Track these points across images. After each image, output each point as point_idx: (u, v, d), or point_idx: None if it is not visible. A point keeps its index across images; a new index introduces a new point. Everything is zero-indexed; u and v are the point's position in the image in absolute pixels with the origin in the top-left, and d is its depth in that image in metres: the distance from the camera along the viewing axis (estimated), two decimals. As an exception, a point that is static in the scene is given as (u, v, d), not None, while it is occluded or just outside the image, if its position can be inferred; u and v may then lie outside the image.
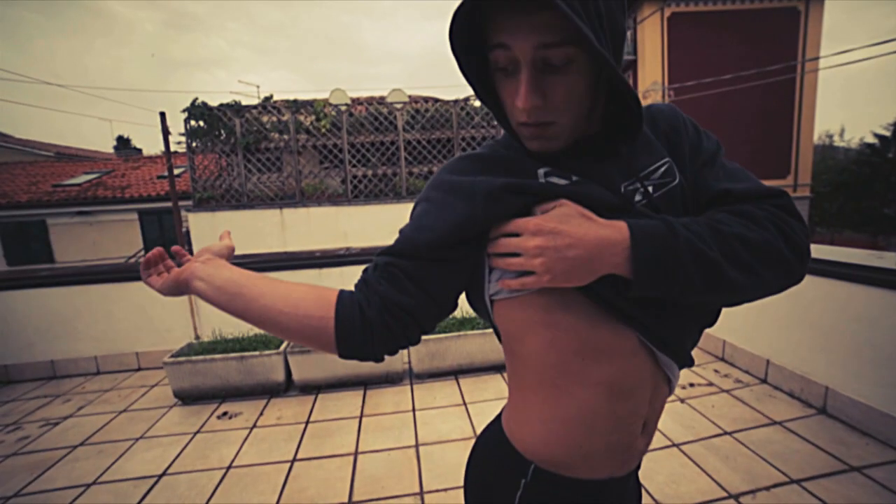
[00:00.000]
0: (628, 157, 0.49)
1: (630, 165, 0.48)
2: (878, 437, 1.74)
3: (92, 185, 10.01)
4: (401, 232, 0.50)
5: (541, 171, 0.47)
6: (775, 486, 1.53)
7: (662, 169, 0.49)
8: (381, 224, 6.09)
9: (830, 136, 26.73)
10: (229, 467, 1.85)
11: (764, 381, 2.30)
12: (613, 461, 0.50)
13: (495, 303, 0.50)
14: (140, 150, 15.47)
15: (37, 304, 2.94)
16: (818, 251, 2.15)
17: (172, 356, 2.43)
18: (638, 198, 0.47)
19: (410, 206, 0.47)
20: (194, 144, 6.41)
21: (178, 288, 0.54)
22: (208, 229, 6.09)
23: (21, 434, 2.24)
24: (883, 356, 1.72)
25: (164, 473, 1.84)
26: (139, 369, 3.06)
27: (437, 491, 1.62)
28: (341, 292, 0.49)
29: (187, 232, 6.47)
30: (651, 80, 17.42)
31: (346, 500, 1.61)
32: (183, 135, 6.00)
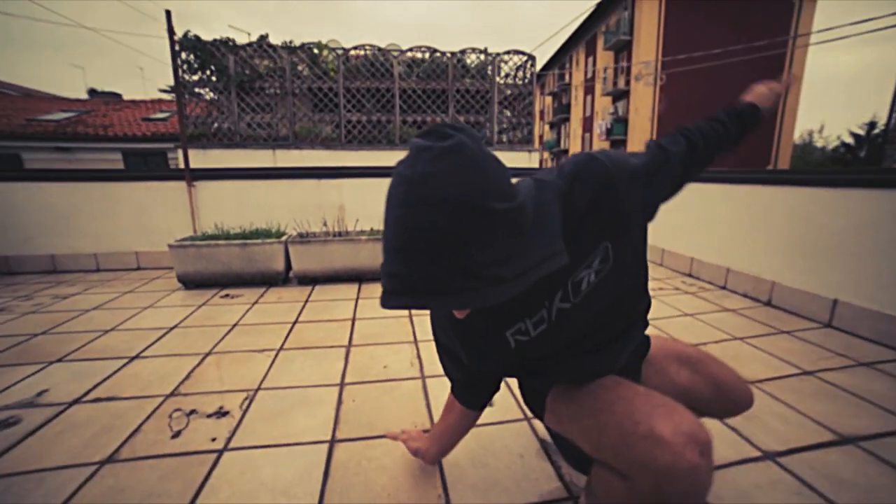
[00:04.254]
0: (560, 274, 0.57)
1: (559, 281, 0.58)
2: (806, 315, 2.04)
3: (70, 122, 9.62)
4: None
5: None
6: (721, 341, 1.80)
7: (598, 259, 0.59)
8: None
9: (810, 134, 27.58)
10: (235, 325, 2.03)
11: (724, 287, 2.59)
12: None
13: None
14: (119, 95, 14.77)
15: (37, 198, 2.98)
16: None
17: (178, 240, 2.55)
18: (566, 306, 0.60)
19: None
20: (186, 78, 6.26)
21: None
22: (199, 167, 6.04)
23: (34, 301, 2.36)
24: (818, 248, 2.00)
25: (175, 326, 2.00)
26: (138, 268, 3.17)
27: (429, 340, 1.84)
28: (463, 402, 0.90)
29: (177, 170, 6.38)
30: (645, 60, 17.55)
31: (346, 343, 1.81)
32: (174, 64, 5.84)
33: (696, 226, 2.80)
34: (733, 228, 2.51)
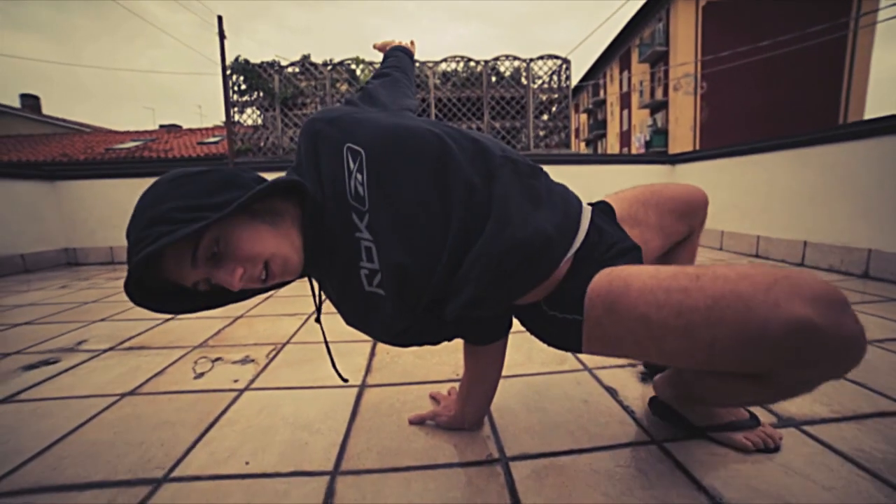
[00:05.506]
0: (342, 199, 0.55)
1: (345, 206, 0.55)
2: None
3: (139, 148, 10.67)
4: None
5: None
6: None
7: (349, 161, 0.54)
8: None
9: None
10: (270, 296, 1.98)
11: (801, 264, 2.25)
12: None
13: None
14: (180, 126, 16.33)
15: (101, 194, 3.20)
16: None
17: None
18: (366, 218, 0.54)
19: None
20: (235, 98, 6.77)
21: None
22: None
23: (91, 282, 2.48)
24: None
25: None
26: (185, 260, 3.28)
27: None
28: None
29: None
30: (683, 70, 16.94)
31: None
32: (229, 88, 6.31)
33: (762, 200, 2.50)
34: (809, 195, 2.20)
